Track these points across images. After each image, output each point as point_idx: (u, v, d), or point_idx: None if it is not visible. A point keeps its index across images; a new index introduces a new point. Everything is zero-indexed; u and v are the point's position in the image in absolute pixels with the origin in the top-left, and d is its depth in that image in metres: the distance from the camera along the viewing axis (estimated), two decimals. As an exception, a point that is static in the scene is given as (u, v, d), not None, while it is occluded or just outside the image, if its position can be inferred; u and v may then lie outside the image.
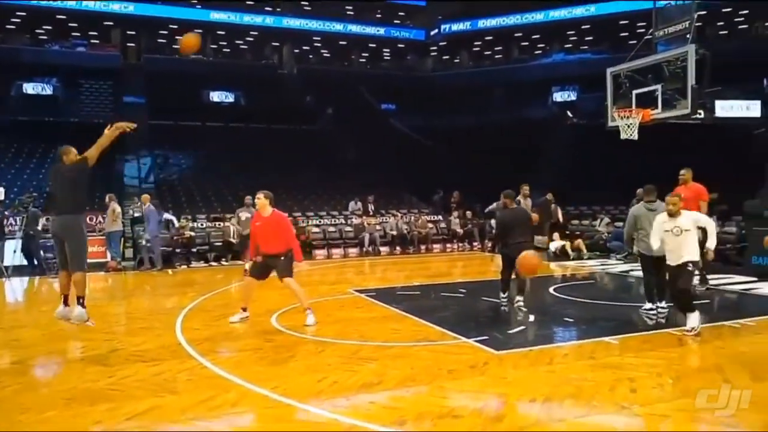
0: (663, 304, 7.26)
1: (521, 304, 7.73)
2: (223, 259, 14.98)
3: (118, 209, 13.67)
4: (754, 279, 9.99)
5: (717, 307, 8.36)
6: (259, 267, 7.27)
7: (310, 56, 40.23)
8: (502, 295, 8.16)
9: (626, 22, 32.87)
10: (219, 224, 16.96)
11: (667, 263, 6.31)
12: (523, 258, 7.12)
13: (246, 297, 7.47)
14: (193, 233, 15.44)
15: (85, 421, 4.11)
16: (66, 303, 6.26)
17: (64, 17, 32.55)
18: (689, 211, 6.53)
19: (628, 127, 10.39)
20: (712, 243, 6.38)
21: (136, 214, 15.55)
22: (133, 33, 35.12)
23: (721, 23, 33.40)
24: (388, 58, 42.03)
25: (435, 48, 40.70)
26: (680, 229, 6.08)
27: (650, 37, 10.86)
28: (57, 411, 4.32)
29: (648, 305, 7.40)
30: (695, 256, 6.11)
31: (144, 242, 13.67)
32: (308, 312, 7.09)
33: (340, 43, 38.96)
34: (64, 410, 4.34)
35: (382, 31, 38.84)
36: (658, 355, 5.52)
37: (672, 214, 6.14)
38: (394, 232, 17.62)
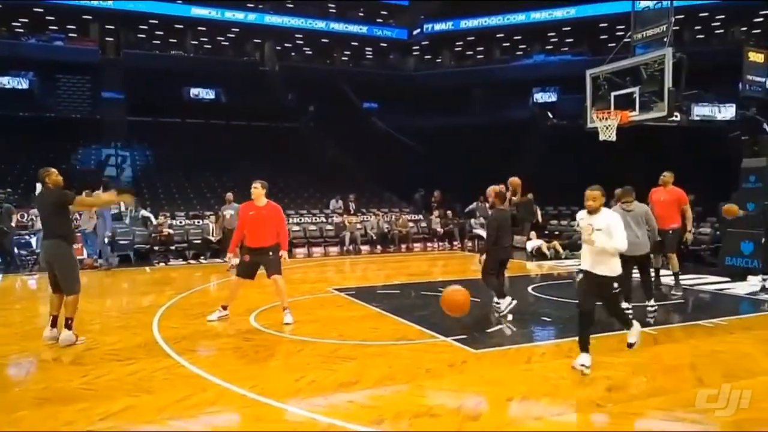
0: (651, 302, 7.40)
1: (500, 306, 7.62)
2: (202, 257, 14.85)
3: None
4: (728, 279, 10.18)
5: (691, 307, 8.49)
6: (246, 266, 7.17)
7: (293, 54, 40.05)
8: (502, 301, 7.51)
9: (605, 24, 33.25)
10: (198, 222, 16.81)
11: (582, 266, 5.36)
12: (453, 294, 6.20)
13: (231, 296, 7.39)
14: (171, 231, 15.28)
15: (58, 422, 4.04)
16: (53, 325, 6.13)
17: (41, 10, 31.98)
18: (604, 212, 5.75)
19: (607, 128, 10.50)
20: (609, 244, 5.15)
21: (113, 212, 15.34)
22: (112, 27, 34.59)
23: (698, 27, 33.94)
24: (371, 56, 42.00)
25: (417, 47, 40.78)
26: (592, 229, 5.05)
27: (629, 39, 10.99)
28: (29, 411, 4.24)
29: (624, 305, 7.48)
30: (614, 269, 5.13)
31: (106, 240, 13.29)
32: (286, 311, 7.05)
33: (323, 40, 38.82)
34: (36, 410, 4.27)
35: (364, 29, 38.82)
36: (633, 354, 5.58)
37: (590, 211, 5.19)
38: (375, 231, 17.61)
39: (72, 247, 6.24)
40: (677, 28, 10.60)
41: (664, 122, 10.06)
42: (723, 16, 33.25)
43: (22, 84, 29.63)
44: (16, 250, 13.08)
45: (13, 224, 13.16)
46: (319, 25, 37.37)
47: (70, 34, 33.75)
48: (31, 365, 5.68)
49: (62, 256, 6.04)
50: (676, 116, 9.83)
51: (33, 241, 13.45)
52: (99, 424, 4.01)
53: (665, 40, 10.01)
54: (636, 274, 7.59)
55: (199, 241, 15.18)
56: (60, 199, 6.05)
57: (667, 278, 9.18)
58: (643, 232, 7.31)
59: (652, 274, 8.87)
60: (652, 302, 7.41)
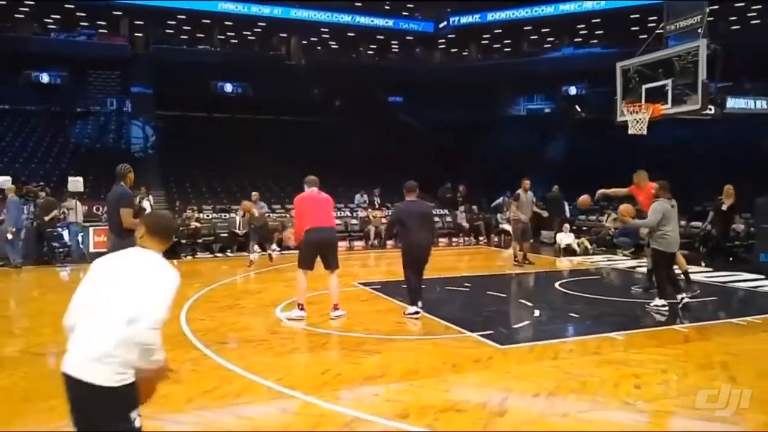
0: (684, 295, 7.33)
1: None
2: (229, 251, 15.01)
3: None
4: (762, 276, 9.92)
5: (724, 304, 8.31)
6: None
7: (318, 48, 40.12)
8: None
9: (637, 15, 32.56)
10: (225, 215, 16.98)
11: None
12: None
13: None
14: (198, 224, 15.46)
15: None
16: None
17: (72, 7, 32.54)
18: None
19: (637, 122, 10.29)
20: None
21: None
22: (141, 23, 35.08)
23: (734, 18, 33.05)
24: (396, 50, 41.85)
25: (443, 41, 40.47)
26: None
27: (661, 31, 10.74)
28: (62, 399, 4.31)
29: (660, 301, 7.32)
30: None
31: (9, 236, 12.49)
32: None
33: (348, 34, 38.79)
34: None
35: (390, 23, 38.64)
36: (663, 352, 5.50)
37: None
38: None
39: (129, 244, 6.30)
40: (712, 18, 10.31)
41: (698, 115, 9.81)
42: (759, 6, 32.30)
43: (54, 79, 30.17)
44: (54, 244, 13.33)
45: (50, 217, 13.42)
46: (345, 18, 37.30)
47: (101, 30, 34.30)
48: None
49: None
50: (711, 109, 9.58)
51: (65, 233, 13.67)
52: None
53: (699, 31, 9.75)
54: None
55: (226, 235, 15.35)
56: (125, 199, 6.22)
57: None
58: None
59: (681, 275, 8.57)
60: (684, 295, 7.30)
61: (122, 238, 6.09)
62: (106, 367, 2.37)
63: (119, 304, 2.41)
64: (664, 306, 7.26)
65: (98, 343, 2.38)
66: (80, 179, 14.47)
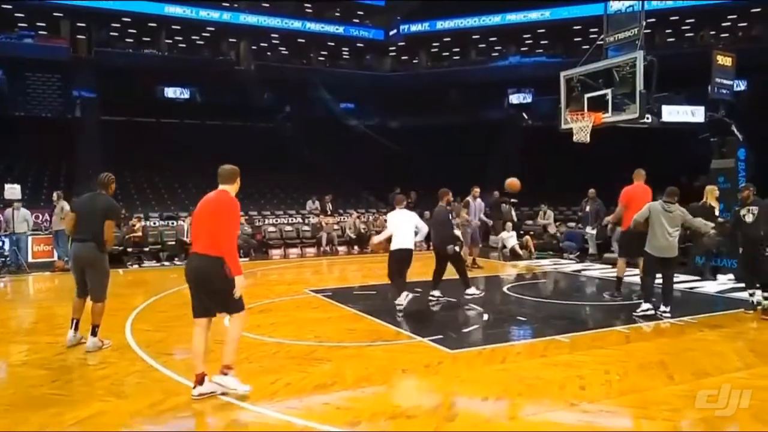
0: (667, 308, 7.24)
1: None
2: (176, 259, 14.66)
3: (67, 207, 13.22)
4: (697, 278, 10.38)
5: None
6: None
7: (268, 53, 39.75)
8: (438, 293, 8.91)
9: (579, 27, 33.65)
10: (172, 223, 16.58)
11: None
12: None
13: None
14: (140, 233, 15.03)
15: (28, 428, 3.96)
16: (76, 328, 6.04)
17: (9, 7, 31.24)
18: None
19: (581, 129, 10.63)
20: None
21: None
22: (84, 25, 33.95)
23: (669, 30, 34.57)
24: (347, 57, 41.92)
25: (394, 48, 40.80)
26: None
27: (601, 42, 11.14)
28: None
29: (645, 305, 7.32)
30: None
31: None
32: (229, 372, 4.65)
33: (299, 40, 38.61)
34: (4, 416, 4.17)
35: (341, 29, 38.70)
36: (606, 353, 5.68)
37: None
38: (352, 231, 17.58)
39: (106, 256, 6.11)
40: (648, 31, 10.78)
41: (636, 124, 10.22)
42: (693, 20, 33.90)
43: None
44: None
45: None
46: (295, 24, 37.13)
47: (41, 32, 33.00)
48: (-1, 371, 5.56)
49: (98, 262, 5.97)
50: (648, 118, 9.99)
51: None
52: (69, 429, 3.94)
53: (637, 42, 10.17)
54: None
55: (173, 243, 14.99)
56: (114, 212, 6.11)
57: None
58: (675, 236, 7.29)
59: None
60: (668, 309, 7.25)
61: (100, 250, 5.92)
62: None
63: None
64: (649, 309, 7.27)
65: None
66: (17, 186, 13.89)
